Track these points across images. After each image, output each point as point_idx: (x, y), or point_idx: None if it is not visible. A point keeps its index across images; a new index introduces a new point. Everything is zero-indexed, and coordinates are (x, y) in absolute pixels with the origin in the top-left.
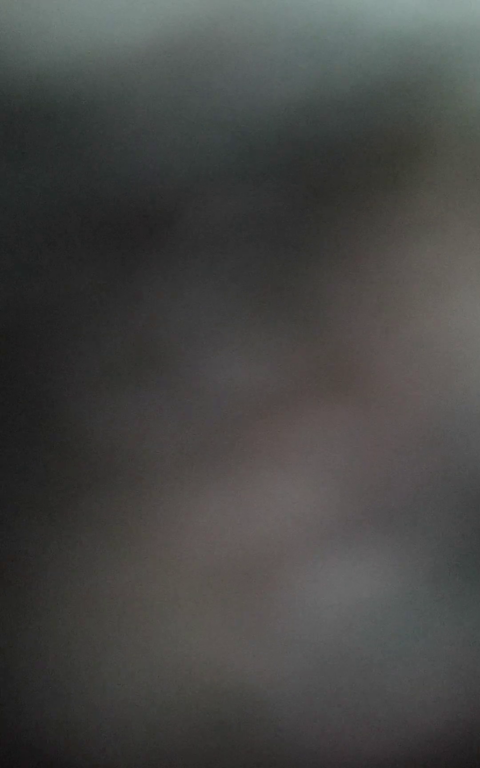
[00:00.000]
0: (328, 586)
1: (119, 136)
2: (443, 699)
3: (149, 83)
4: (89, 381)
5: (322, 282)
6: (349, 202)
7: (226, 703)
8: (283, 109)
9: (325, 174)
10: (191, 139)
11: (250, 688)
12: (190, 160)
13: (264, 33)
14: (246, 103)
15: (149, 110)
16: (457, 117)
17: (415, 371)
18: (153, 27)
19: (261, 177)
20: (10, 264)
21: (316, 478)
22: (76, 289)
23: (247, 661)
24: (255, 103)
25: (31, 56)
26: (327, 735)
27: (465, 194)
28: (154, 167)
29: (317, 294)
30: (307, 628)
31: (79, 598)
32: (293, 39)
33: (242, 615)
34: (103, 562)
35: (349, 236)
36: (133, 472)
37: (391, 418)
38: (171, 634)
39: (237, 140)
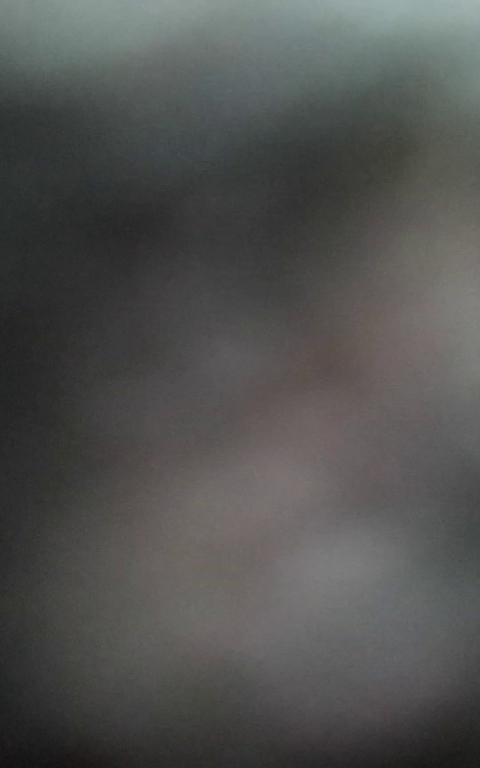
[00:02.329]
0: (320, 566)
1: (117, 136)
2: (431, 676)
3: (146, 85)
4: (90, 370)
5: (315, 274)
6: (340, 199)
7: (220, 680)
8: (276, 111)
9: (317, 172)
10: (188, 139)
11: (243, 665)
12: (186, 160)
13: (258, 37)
14: (241, 104)
15: (146, 112)
16: (443, 117)
17: (406, 360)
18: (150, 31)
19: (255, 175)
20: (11, 259)
21: (309, 463)
22: (76, 282)
23: (241, 640)
24: (249, 104)
25: (30, 59)
26: (318, 711)
27: (452, 190)
28: (151, 167)
29: (310, 286)
30: (300, 607)
31: (78, 578)
32: (286, 43)
33: (237, 595)
34: (102, 544)
35: (341, 231)
36: (133, 457)
37: (381, 405)
38: (167, 612)
39: (232, 140)
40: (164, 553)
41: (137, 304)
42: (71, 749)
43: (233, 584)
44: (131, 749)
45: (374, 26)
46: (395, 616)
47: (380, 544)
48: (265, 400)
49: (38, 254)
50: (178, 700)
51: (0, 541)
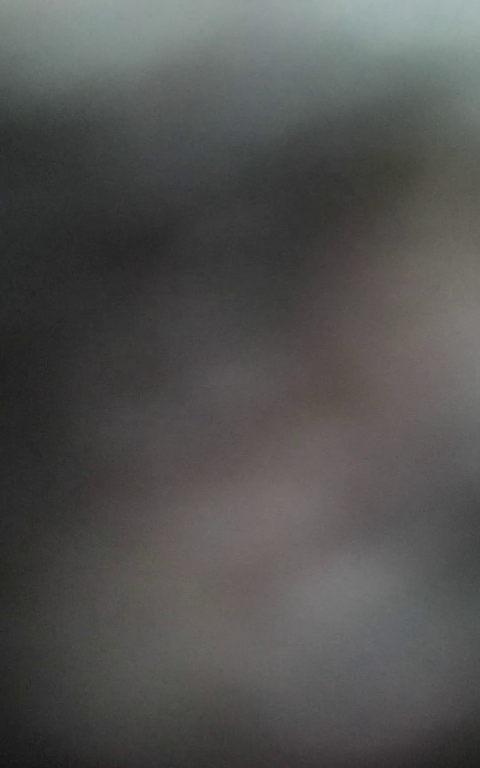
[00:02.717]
0: (324, 590)
1: (121, 157)
2: (438, 699)
3: (150, 105)
4: (93, 393)
5: (320, 296)
6: (346, 220)
7: (224, 703)
8: (280, 130)
9: (322, 192)
10: (191, 159)
11: (248, 688)
12: (190, 180)
13: (263, 56)
14: (244, 124)
15: (150, 132)
16: (449, 136)
17: (411, 382)
18: (154, 49)
19: (260, 196)
20: (13, 282)
21: (313, 486)
22: (78, 305)
23: (246, 663)
24: (254, 124)
25: (33, 79)
26: (324, 734)
27: (459, 210)
28: (155, 187)
29: (315, 308)
30: (305, 630)
31: (82, 601)
32: (291, 61)
33: (241, 618)
34: (105, 567)
35: (346, 251)
36: (135, 480)
37: (385, 427)
38: (172, 636)
39: (235, 160)
40: (166, 576)
41: (139, 327)
42: None
43: (235, 607)
44: None
45: (379, 44)
46: (399, 639)
47: (384, 567)
48: (269, 422)
49: (40, 277)
50: (179, 724)
51: (1, 564)
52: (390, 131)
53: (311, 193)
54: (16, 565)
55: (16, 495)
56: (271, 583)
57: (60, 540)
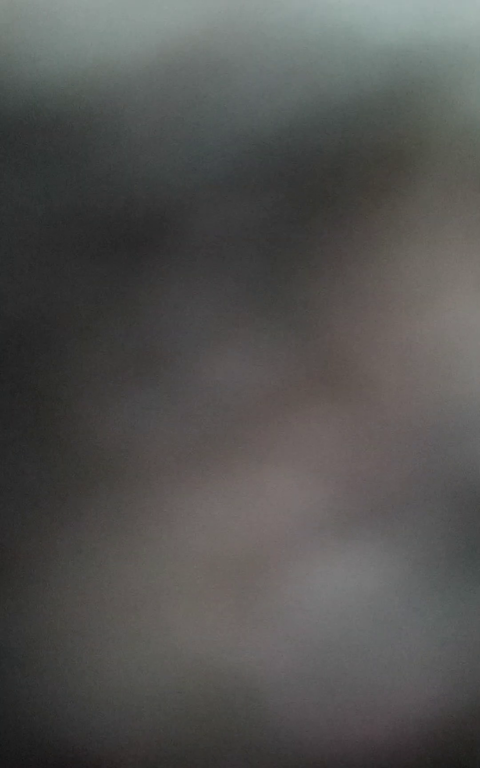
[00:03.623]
0: (323, 578)
1: (118, 148)
2: (437, 688)
3: (147, 96)
4: (91, 384)
5: (318, 287)
6: (344, 211)
7: (224, 692)
8: (278, 122)
9: (320, 183)
10: (190, 150)
11: (247, 677)
12: (188, 171)
13: (261, 47)
14: (242, 115)
15: (147, 123)
16: (447, 129)
17: (408, 371)
18: (151, 41)
19: (257, 188)
20: (11, 274)
21: (312, 474)
22: (76, 296)
23: (245, 651)
24: (252, 115)
25: (30, 70)
26: (323, 723)
27: (457, 201)
28: (152, 179)
29: (312, 298)
30: (304, 618)
31: (81, 589)
32: (290, 53)
33: (240, 607)
34: (104, 555)
35: (344, 243)
36: (135, 470)
37: (384, 416)
38: (170, 624)
39: (233, 152)
40: (168, 566)
41: (138, 318)
42: (72, 762)
43: (237, 597)
44: (134, 762)
45: (377, 37)
46: (402, 628)
47: (385, 556)
48: (269, 412)
49: (39, 267)
50: (182, 713)
51: (1, 555)
52: (388, 123)
53: (309, 184)
54: (13, 553)
55: (14, 484)
56: (270, 572)
57: (58, 528)
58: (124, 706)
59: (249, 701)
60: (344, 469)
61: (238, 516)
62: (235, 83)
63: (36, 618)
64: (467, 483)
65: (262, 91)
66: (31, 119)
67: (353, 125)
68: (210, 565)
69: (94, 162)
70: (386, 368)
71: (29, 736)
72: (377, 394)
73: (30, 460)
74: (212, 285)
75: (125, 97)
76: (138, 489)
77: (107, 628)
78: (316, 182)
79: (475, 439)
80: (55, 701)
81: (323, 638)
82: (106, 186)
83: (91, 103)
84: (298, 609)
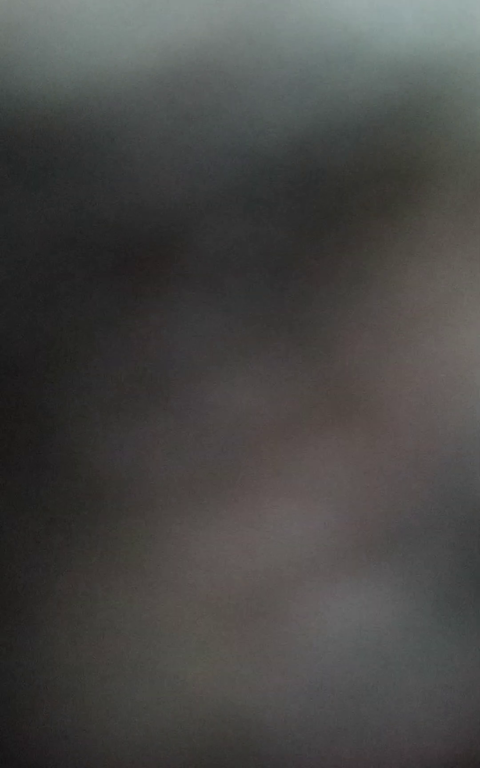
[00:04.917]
0: (331, 613)
1: (122, 162)
2: (445, 726)
3: (151, 111)
4: (93, 409)
5: (325, 308)
6: (352, 227)
7: (228, 731)
8: (285, 135)
9: (327, 199)
10: (194, 165)
11: (252, 715)
12: (193, 187)
13: (266, 60)
14: (249, 130)
15: (152, 136)
16: (458, 141)
17: (418, 397)
18: (155, 50)
19: (264, 202)
20: (13, 292)
21: (320, 506)
22: (80, 316)
23: (250, 689)
24: (258, 130)
25: (32, 82)
26: (328, 762)
27: (467, 218)
28: (156, 195)
29: (320, 320)
30: (311, 655)
31: (82, 626)
32: (296, 64)
33: (245, 642)
34: (106, 590)
35: (353, 261)
36: (135, 499)
37: (394, 444)
38: (174, 661)
39: (239, 167)
40: (170, 598)
41: (141, 340)
42: None
43: (241, 634)
44: None
45: (385, 48)
46: (410, 667)
47: (390, 590)
48: (274, 439)
49: (38, 286)
50: (182, 752)
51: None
52: (397, 137)
53: (317, 200)
54: (14, 585)
55: (13, 514)
56: (274, 608)
57: (59, 561)
58: (122, 742)
59: (251, 741)
60: (350, 500)
61: (241, 549)
62: (241, 96)
63: (32, 654)
64: (477, 514)
65: (268, 104)
66: (31, 130)
67: (362, 139)
68: (213, 601)
69: (95, 176)
70: (394, 395)
71: (28, 765)
72: (385, 422)
73: (26, 491)
74: (216, 306)
75: (129, 110)
76: (138, 521)
77: (107, 663)
78: (324, 198)
79: None
80: (52, 738)
81: (329, 677)
82: (106, 201)
83: (92, 114)
84: (304, 647)
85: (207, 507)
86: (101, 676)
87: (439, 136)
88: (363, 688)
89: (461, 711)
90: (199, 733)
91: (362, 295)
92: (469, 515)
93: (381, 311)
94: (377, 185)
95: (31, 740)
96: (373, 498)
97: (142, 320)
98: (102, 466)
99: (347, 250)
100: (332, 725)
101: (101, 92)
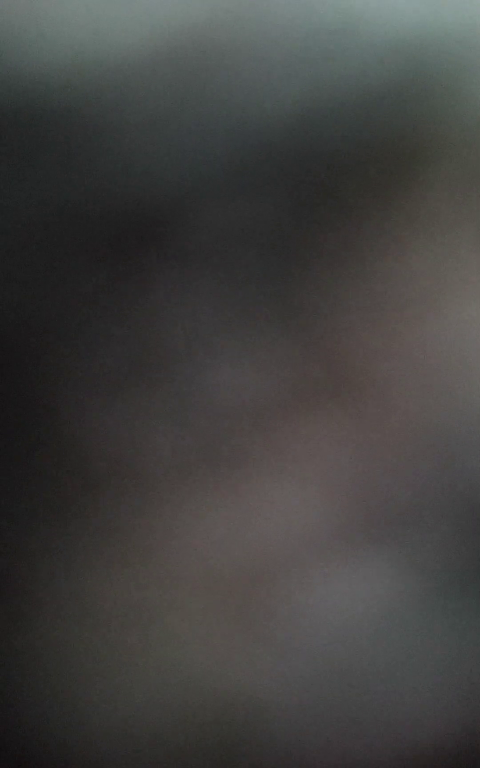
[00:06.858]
0: (327, 595)
1: (117, 144)
2: (443, 709)
3: (147, 91)
4: (89, 389)
5: (321, 290)
6: (349, 210)
7: (226, 712)
8: (282, 116)
9: (324, 181)
10: (190, 146)
11: (250, 696)
12: (188, 168)
13: (263, 39)
14: (245, 110)
15: (147, 118)
16: (456, 123)
17: (415, 380)
18: (151, 34)
19: (260, 184)
20: (9, 272)
21: (315, 488)
22: (75, 297)
23: (247, 670)
24: (254, 110)
25: (27, 64)
26: (326, 744)
27: (465, 200)
28: (152, 175)
29: (316, 302)
30: (307, 637)
31: (79, 607)
32: (292, 45)
33: (242, 624)
34: (103, 571)
35: (349, 244)
36: (133, 481)
37: (390, 427)
38: (171, 642)
39: (236, 147)
40: (166, 580)
41: (138, 321)
42: None
43: (238, 615)
44: None
45: (383, 29)
46: (407, 647)
47: (388, 572)
48: (270, 422)
49: (36, 267)
50: (182, 736)
51: None
52: (396, 118)
53: (313, 181)
54: (10, 569)
55: (9, 497)
56: (272, 588)
57: (55, 542)
58: (123, 727)
59: (251, 721)
60: (348, 482)
61: (239, 531)
62: (237, 77)
63: (32, 636)
64: (474, 496)
65: (265, 84)
66: (29, 114)
67: (359, 121)
68: (210, 581)
69: (93, 158)
70: (392, 376)
71: (28, 756)
72: (382, 403)
73: (23, 473)
74: (213, 288)
75: (124, 91)
76: (135, 502)
77: (105, 646)
78: (321, 180)
79: None
80: (53, 721)
81: (326, 660)
82: (103, 183)
83: (90, 97)
84: (301, 626)
85: (202, 488)
86: (99, 655)
87: (436, 116)
88: (361, 671)
89: (459, 690)
90: (198, 716)
91: (359, 275)
92: (467, 497)
93: (378, 291)
94: (374, 165)
95: (29, 721)
96: (369, 479)
97: (137, 301)
98: (96, 447)
99: (343, 232)
100: (331, 707)
101: (97, 72)
